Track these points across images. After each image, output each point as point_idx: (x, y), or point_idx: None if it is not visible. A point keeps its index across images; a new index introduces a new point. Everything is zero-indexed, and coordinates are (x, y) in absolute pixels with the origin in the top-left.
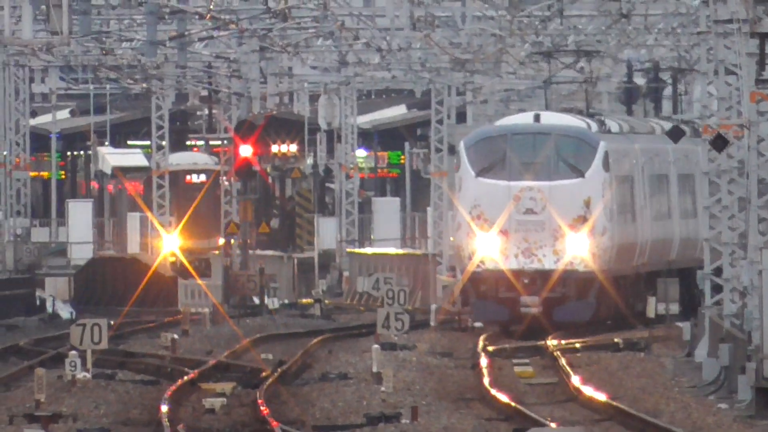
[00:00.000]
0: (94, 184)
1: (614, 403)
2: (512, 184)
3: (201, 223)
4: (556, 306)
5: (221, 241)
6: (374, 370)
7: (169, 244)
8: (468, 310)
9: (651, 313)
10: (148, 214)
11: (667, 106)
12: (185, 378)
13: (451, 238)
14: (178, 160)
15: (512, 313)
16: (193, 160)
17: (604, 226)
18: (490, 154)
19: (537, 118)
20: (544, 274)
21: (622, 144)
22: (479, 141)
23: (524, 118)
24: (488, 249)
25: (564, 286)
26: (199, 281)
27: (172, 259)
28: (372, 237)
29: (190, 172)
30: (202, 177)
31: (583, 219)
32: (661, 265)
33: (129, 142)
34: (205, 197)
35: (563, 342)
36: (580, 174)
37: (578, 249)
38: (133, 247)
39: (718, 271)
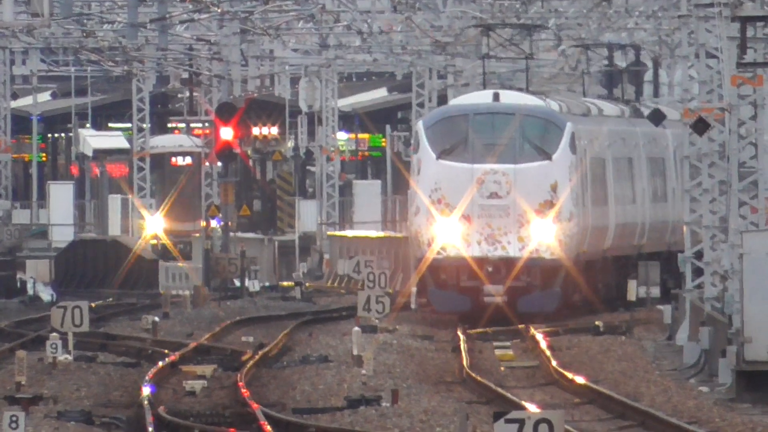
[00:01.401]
0: (74, 167)
1: (594, 387)
2: (475, 166)
3: (186, 206)
4: (521, 295)
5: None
6: (355, 352)
7: (153, 226)
8: (425, 300)
9: (632, 296)
10: (133, 197)
11: (648, 89)
12: (166, 360)
13: (408, 224)
14: (164, 142)
15: (475, 303)
16: (178, 142)
17: (571, 211)
18: (452, 134)
19: (496, 96)
20: (508, 262)
21: (581, 125)
22: (439, 121)
23: (483, 97)
24: (449, 235)
25: (529, 275)
26: (183, 263)
27: (153, 241)
28: (353, 220)
29: (176, 154)
30: (188, 159)
31: (550, 204)
32: (597, 254)
33: (110, 125)
34: (190, 179)
35: (544, 325)
36: (547, 156)
37: (544, 235)
38: (114, 229)
39: (698, 255)
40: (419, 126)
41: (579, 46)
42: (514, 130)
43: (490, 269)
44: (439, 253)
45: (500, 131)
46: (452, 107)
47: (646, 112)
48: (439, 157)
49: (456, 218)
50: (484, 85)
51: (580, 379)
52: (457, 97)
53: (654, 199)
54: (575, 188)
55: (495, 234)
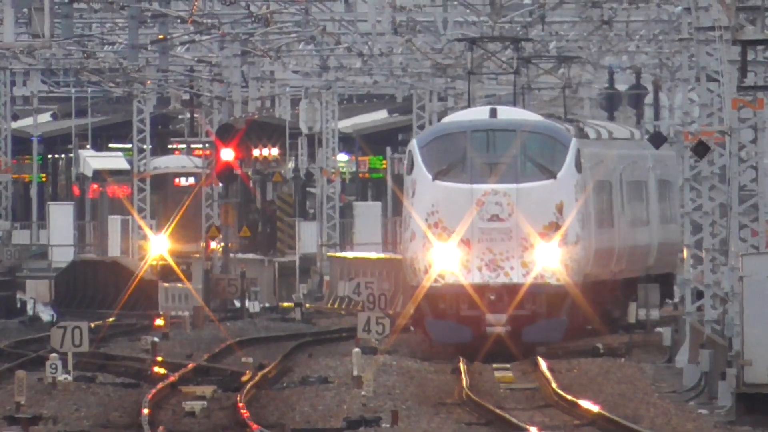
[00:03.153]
0: (76, 188)
1: (594, 409)
2: (474, 187)
3: (189, 227)
4: (526, 325)
5: (212, 244)
6: (354, 374)
7: (158, 247)
8: (421, 331)
9: (632, 318)
10: (137, 217)
11: (648, 112)
12: (166, 381)
13: (402, 250)
14: (167, 163)
15: (475, 334)
16: (181, 163)
17: (578, 233)
18: (448, 154)
19: (494, 112)
20: (511, 289)
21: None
22: (435, 139)
23: (478, 113)
24: (447, 261)
25: (534, 303)
26: (188, 285)
27: (153, 262)
28: (353, 241)
29: (179, 175)
30: (191, 180)
31: (556, 226)
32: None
33: (110, 146)
34: (194, 200)
35: (544, 347)
36: (552, 175)
37: (550, 260)
38: (113, 250)
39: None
40: (413, 145)
41: (521, 59)
42: (515, 148)
43: (491, 297)
44: (436, 281)
45: (501, 149)
46: (448, 125)
47: (590, 132)
48: (435, 177)
49: (454, 243)
50: (469, 103)
51: (579, 401)
52: (450, 114)
53: (599, 224)
54: (582, 209)
55: (496, 259)
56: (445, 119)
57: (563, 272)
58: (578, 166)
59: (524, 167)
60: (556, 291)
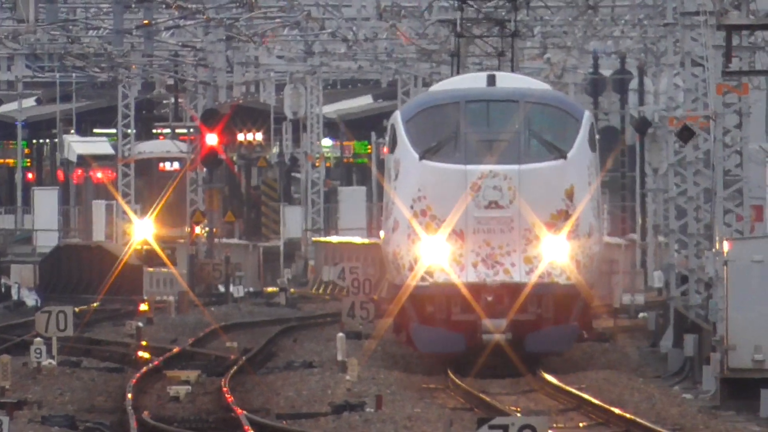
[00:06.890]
0: (60, 173)
1: (578, 393)
2: (469, 168)
3: (173, 212)
4: (529, 331)
5: (197, 229)
6: (339, 358)
7: (143, 232)
8: (405, 338)
9: (616, 303)
10: (122, 202)
11: (633, 97)
12: (150, 366)
13: (382, 239)
14: (151, 147)
15: (469, 343)
16: (165, 148)
17: (591, 223)
18: (438, 129)
19: (492, 80)
20: (512, 289)
21: None
22: (422, 112)
23: (474, 81)
24: (437, 256)
25: (539, 305)
26: (173, 269)
27: (138, 247)
28: (338, 226)
29: (163, 159)
30: (176, 165)
31: (565, 215)
32: None
33: (95, 131)
34: (179, 185)
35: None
36: (561, 154)
37: (558, 255)
38: (98, 235)
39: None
40: (396, 119)
41: (520, 21)
42: (517, 122)
43: (489, 299)
44: (423, 279)
45: (500, 123)
46: (437, 94)
47: None
48: (422, 157)
49: (445, 235)
50: (458, 70)
51: (564, 386)
52: (439, 82)
53: None
54: (596, 195)
55: (495, 254)
56: (434, 87)
57: (574, 269)
58: (592, 144)
59: (528, 145)
60: (565, 291)
